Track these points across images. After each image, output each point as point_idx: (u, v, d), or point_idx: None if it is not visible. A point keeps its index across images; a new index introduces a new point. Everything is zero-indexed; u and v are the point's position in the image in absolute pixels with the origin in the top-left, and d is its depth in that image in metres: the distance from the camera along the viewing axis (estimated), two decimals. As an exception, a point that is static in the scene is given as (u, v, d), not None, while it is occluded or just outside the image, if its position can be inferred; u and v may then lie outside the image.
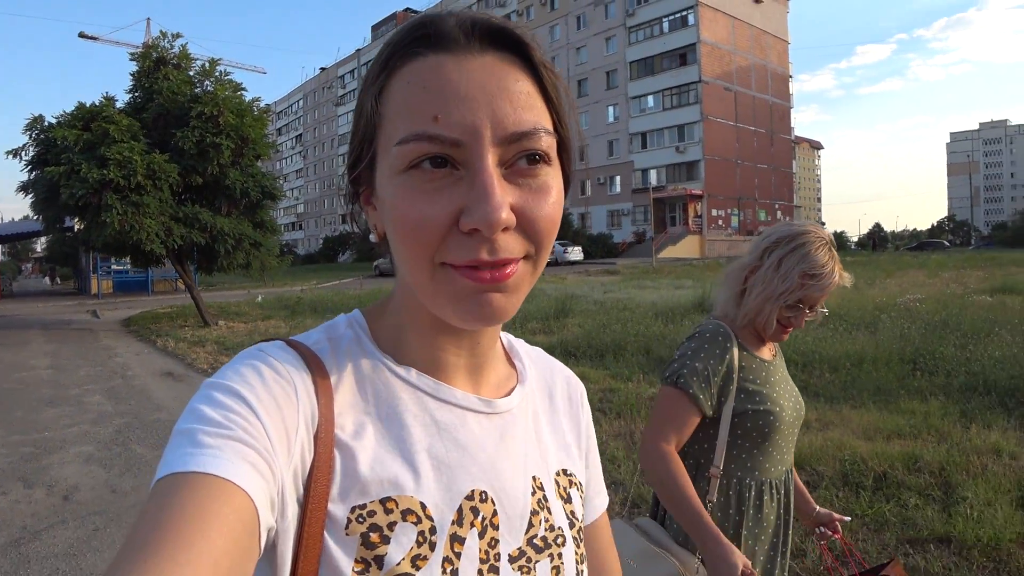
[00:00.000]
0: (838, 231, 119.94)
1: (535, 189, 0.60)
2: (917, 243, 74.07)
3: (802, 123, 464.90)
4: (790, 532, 1.88)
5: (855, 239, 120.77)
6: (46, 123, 15.42)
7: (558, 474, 0.80)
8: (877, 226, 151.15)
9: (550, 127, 0.61)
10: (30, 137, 15.44)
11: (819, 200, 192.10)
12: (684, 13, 55.55)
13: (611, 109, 60.79)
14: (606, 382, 7.79)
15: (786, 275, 1.74)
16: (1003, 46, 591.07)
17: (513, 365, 0.83)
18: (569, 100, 0.66)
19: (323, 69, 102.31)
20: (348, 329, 0.72)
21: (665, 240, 51.99)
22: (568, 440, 0.85)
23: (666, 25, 56.77)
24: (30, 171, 15.60)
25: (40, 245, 52.76)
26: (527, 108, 0.59)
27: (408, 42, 0.60)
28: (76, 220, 15.59)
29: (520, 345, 0.87)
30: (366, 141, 0.63)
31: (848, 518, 2.10)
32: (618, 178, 59.67)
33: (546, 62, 0.63)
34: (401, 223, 0.59)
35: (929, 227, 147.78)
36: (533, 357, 0.87)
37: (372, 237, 0.69)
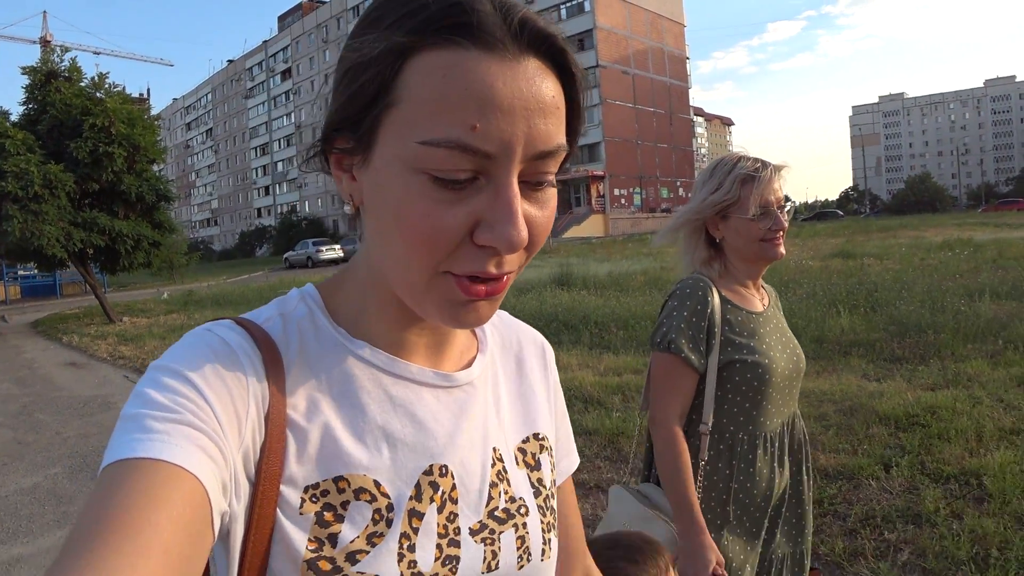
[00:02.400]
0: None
1: (541, 204, 0.60)
2: (813, 213, 78.24)
3: (716, 100, 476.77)
4: (792, 485, 1.85)
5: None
6: (-59, 138, 16.25)
7: (526, 440, 0.79)
8: (785, 197, 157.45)
9: (565, 141, 0.59)
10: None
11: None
12: (580, 0, 57.62)
13: (515, 95, 62.39)
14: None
15: (721, 185, 1.76)
16: (903, 21, 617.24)
17: (474, 333, 0.80)
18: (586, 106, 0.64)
19: (231, 61, 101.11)
20: (301, 303, 0.69)
21: (570, 220, 54.16)
22: (539, 402, 0.83)
23: (564, 12, 59.00)
24: (-72, 184, 16.43)
25: (-60, 253, 51.38)
26: (556, 124, 0.57)
27: (448, 25, 0.53)
28: (-23, 229, 16.56)
29: None
30: (365, 105, 0.57)
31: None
32: (525, 162, 61.30)
33: (581, 72, 0.60)
34: (410, 226, 0.56)
35: (837, 197, 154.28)
36: (496, 323, 0.85)
37: (347, 209, 0.65)
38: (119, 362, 11.14)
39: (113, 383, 9.44)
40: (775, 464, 1.78)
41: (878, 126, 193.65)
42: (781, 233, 1.76)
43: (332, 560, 0.59)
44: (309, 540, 0.59)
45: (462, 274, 0.58)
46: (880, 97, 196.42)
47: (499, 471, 0.74)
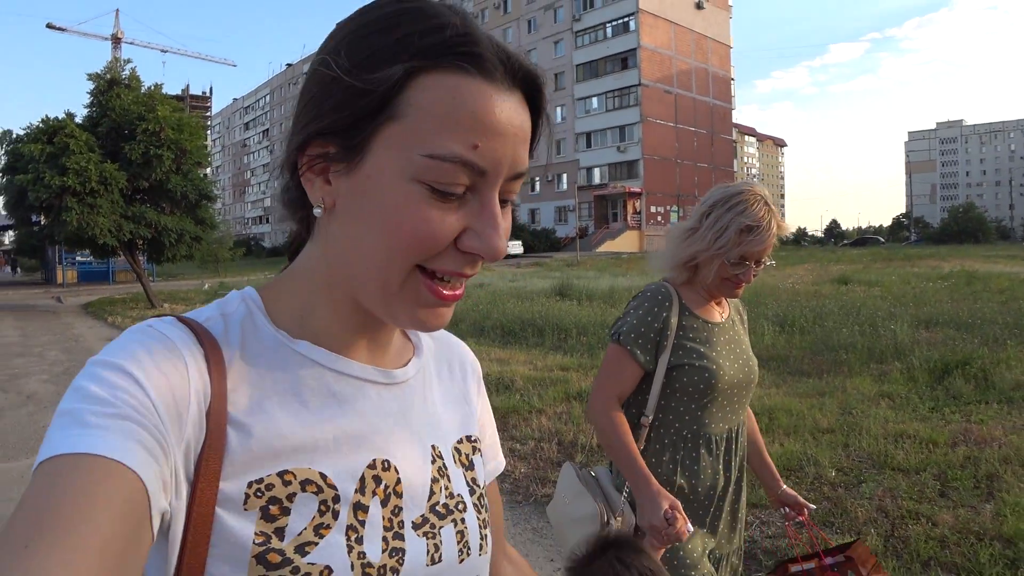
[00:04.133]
0: (801, 227, 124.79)
1: (506, 220, 0.65)
2: (855, 239, 78.01)
3: (772, 120, 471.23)
4: (734, 489, 1.93)
5: (816, 234, 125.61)
6: (15, 136, 18.42)
7: (460, 441, 0.82)
8: (833, 222, 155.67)
9: None
10: (1, 148, 18.43)
11: (782, 196, 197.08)
12: (626, 19, 59.10)
13: (559, 110, 64.04)
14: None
15: (723, 231, 1.78)
16: (965, 47, 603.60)
17: (408, 337, 0.83)
18: (547, 136, 0.70)
19: (289, 65, 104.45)
20: (241, 304, 0.69)
21: (605, 235, 55.70)
22: (469, 408, 0.87)
23: (609, 30, 60.37)
24: (2, 176, 18.58)
25: (8, 238, 54.96)
26: (527, 151, 0.64)
27: (455, 52, 0.58)
28: (42, 217, 18.65)
29: None
30: (363, 117, 0.60)
31: (814, 507, 2.08)
32: (565, 176, 62.97)
33: (547, 109, 0.67)
34: (402, 231, 0.59)
35: (890, 223, 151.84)
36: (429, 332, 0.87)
37: (317, 212, 0.65)
38: (151, 340, 12.85)
39: (142, 356, 11.13)
40: (719, 465, 1.88)
41: (935, 153, 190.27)
42: (742, 284, 1.85)
43: (281, 552, 0.59)
44: (256, 534, 0.59)
45: (439, 271, 0.62)
46: (938, 123, 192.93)
47: (439, 467, 0.75)
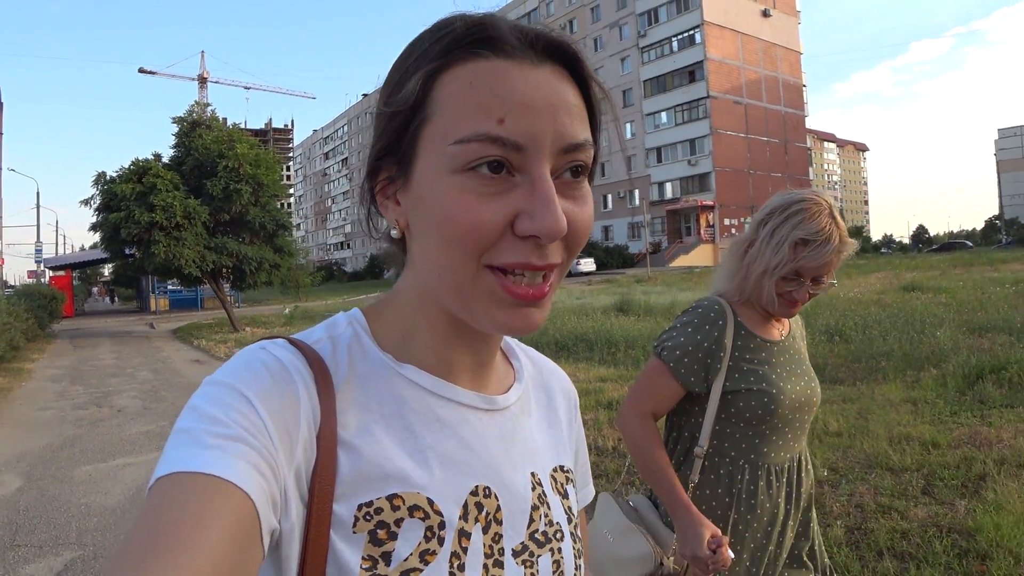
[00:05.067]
0: (887, 234, 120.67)
1: (578, 199, 0.62)
2: (941, 245, 75.39)
3: (855, 123, 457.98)
4: (801, 522, 1.80)
5: (903, 240, 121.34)
6: (108, 177, 20.07)
7: (555, 470, 0.81)
8: (920, 228, 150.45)
9: (591, 139, 0.63)
10: (97, 189, 20.11)
11: (866, 203, 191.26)
12: (691, 32, 58.88)
13: (628, 126, 64.12)
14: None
15: (779, 246, 1.65)
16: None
17: (510, 363, 0.84)
18: (613, 111, 0.69)
19: (365, 95, 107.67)
20: (348, 327, 0.71)
21: (678, 249, 55.48)
22: (564, 437, 0.86)
23: (675, 44, 60.21)
24: (97, 215, 20.23)
25: (107, 270, 58.79)
26: (580, 121, 0.62)
27: (468, 41, 0.60)
28: (134, 250, 20.22)
29: (516, 344, 0.88)
30: (402, 130, 0.62)
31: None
32: (636, 192, 62.90)
33: (595, 76, 0.65)
34: (453, 224, 0.59)
35: (982, 226, 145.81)
36: (531, 356, 0.88)
37: (394, 232, 0.68)
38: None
39: (221, 375, 12.21)
40: (780, 499, 1.73)
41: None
42: (799, 303, 1.71)
43: None
44: (363, 559, 0.59)
45: (505, 265, 0.60)
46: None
47: (539, 495, 0.75)
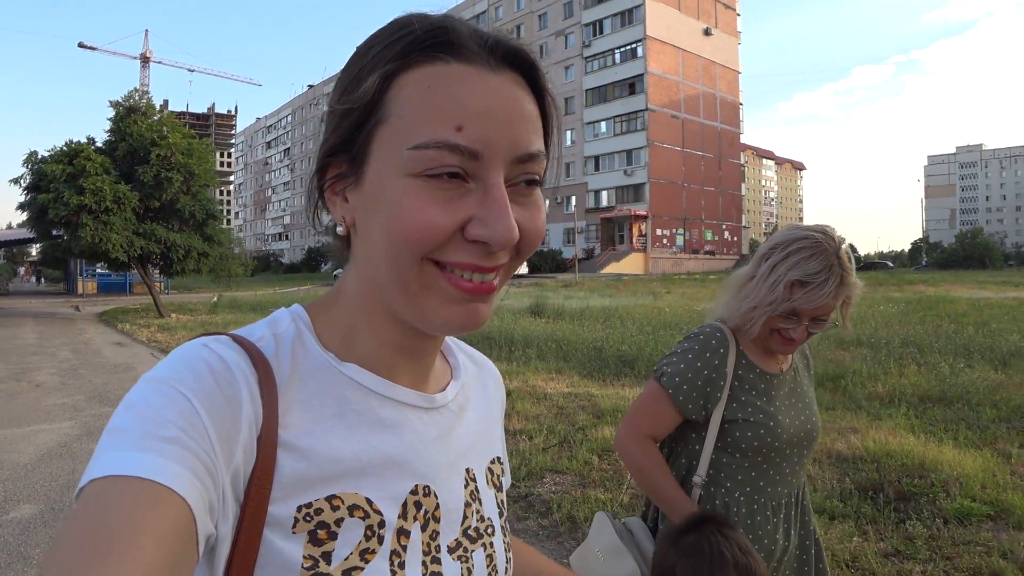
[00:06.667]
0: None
1: (530, 207, 0.63)
2: (862, 264, 78.22)
3: (793, 144, 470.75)
4: (797, 556, 1.77)
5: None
6: (39, 157, 20.21)
7: (493, 462, 0.83)
8: (851, 247, 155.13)
9: (544, 150, 0.64)
10: (27, 168, 20.24)
11: (801, 220, 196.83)
12: (633, 46, 60.54)
13: (569, 133, 65.29)
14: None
15: (774, 285, 1.62)
16: (989, 71, 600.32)
17: (447, 360, 0.84)
18: (559, 121, 0.68)
19: (311, 86, 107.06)
20: (291, 325, 0.70)
21: (610, 257, 56.94)
22: (499, 429, 0.89)
23: (618, 56, 61.83)
24: (26, 194, 20.35)
25: (35, 251, 57.52)
26: (535, 131, 0.62)
27: (428, 44, 0.59)
28: (62, 232, 20.40)
29: (452, 341, 0.88)
30: (355, 129, 0.62)
31: None
32: (573, 198, 64.24)
33: (549, 87, 0.66)
34: (402, 223, 0.59)
35: (909, 247, 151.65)
36: (467, 352, 0.89)
37: (339, 230, 0.67)
38: (152, 344, 14.59)
39: (140, 357, 12.78)
40: (778, 535, 1.70)
41: (954, 177, 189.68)
42: (796, 342, 1.66)
43: None
44: (304, 558, 0.59)
45: (451, 263, 0.60)
46: (957, 147, 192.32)
47: (472, 491, 0.76)
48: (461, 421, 0.79)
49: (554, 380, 9.00)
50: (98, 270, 35.86)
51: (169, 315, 20.82)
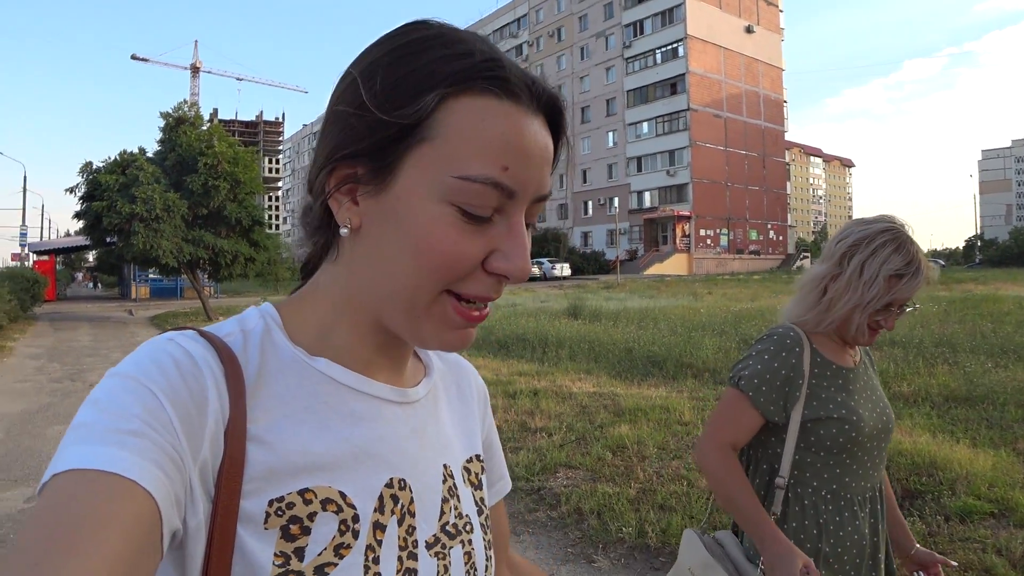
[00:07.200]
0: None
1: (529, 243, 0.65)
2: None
3: (842, 141, 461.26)
4: (880, 556, 1.73)
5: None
6: (94, 167, 21.15)
7: (469, 460, 0.83)
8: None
9: None
10: (83, 178, 21.18)
11: (850, 218, 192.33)
12: (675, 45, 60.23)
13: (610, 135, 65.71)
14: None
15: (871, 281, 1.63)
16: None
17: (419, 358, 0.84)
18: (567, 164, 0.72)
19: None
20: (260, 320, 0.69)
21: (653, 257, 56.80)
22: (476, 428, 0.87)
23: (659, 56, 61.58)
24: (81, 203, 21.27)
25: (91, 256, 59.60)
26: (550, 174, 0.65)
27: (484, 76, 0.60)
28: (115, 238, 21.29)
29: None
30: (390, 140, 0.61)
31: (955, 564, 1.86)
32: (616, 199, 64.12)
33: (567, 133, 0.69)
34: (434, 253, 0.60)
35: (963, 245, 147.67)
36: (438, 352, 0.87)
37: (343, 231, 0.65)
38: (199, 346, 15.14)
39: (188, 358, 13.38)
40: (865, 528, 1.68)
41: (1010, 172, 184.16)
42: (877, 334, 1.70)
43: (300, 574, 0.59)
44: (275, 555, 0.58)
45: (468, 296, 0.63)
46: (1013, 141, 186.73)
47: (450, 487, 0.76)
48: (435, 417, 0.80)
49: (581, 380, 9.12)
50: (150, 275, 37.07)
51: (218, 318, 21.36)
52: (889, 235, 1.64)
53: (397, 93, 0.60)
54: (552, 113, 0.65)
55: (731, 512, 1.68)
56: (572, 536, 4.27)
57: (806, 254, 66.24)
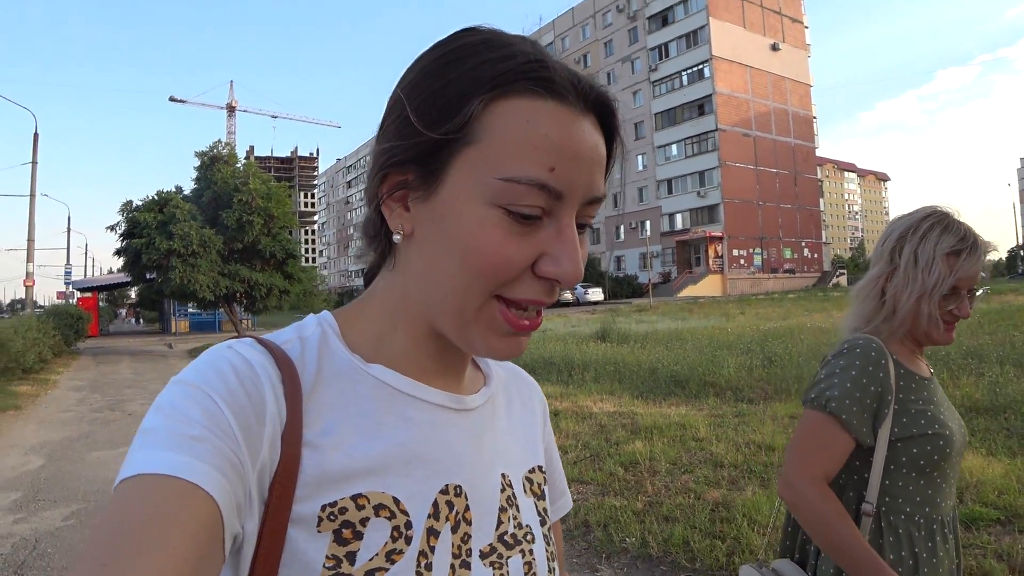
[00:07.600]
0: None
1: (582, 247, 0.64)
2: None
3: (877, 154, 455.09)
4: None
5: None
6: (133, 206, 21.98)
7: (532, 471, 0.82)
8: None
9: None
10: (123, 216, 22.03)
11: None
12: (700, 67, 60.17)
13: (640, 158, 65.49)
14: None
15: (929, 264, 1.53)
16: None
17: (478, 366, 0.84)
18: (623, 162, 0.71)
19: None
20: (317, 327, 0.70)
21: (687, 279, 56.33)
22: (538, 439, 0.87)
23: (685, 78, 61.56)
24: (121, 240, 22.08)
25: (134, 293, 61.21)
26: (603, 175, 0.64)
27: (528, 78, 0.60)
28: (154, 274, 22.03)
29: None
30: (437, 145, 0.61)
31: None
32: (648, 222, 63.74)
33: (622, 134, 0.68)
34: (480, 255, 0.60)
35: (1006, 256, 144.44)
36: (499, 362, 0.87)
37: (396, 238, 0.67)
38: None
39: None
40: (953, 552, 1.56)
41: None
42: (953, 325, 1.57)
43: None
44: (326, 558, 0.59)
45: (518, 300, 0.62)
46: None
47: (508, 496, 0.75)
48: (493, 426, 0.78)
49: (603, 400, 9.24)
50: (189, 309, 38.04)
51: (253, 350, 22.04)
52: (934, 218, 1.57)
53: (440, 105, 0.61)
54: (604, 114, 0.65)
55: (836, 557, 1.46)
56: (578, 547, 4.40)
57: (842, 271, 65.41)
